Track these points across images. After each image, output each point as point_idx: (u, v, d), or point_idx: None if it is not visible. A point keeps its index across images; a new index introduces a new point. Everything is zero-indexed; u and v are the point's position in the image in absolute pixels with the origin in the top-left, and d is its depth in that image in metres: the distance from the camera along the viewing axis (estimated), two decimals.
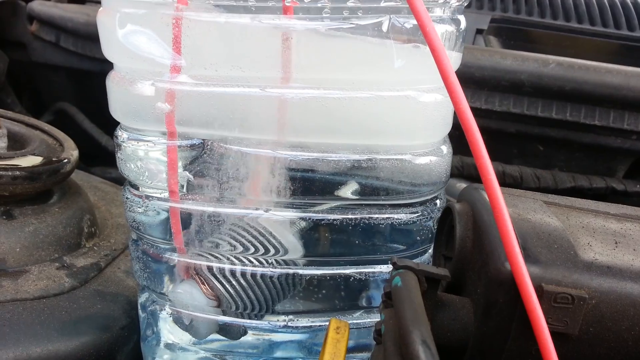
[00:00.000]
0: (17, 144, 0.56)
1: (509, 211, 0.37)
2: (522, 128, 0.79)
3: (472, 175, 0.80)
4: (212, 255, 0.48)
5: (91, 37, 1.05)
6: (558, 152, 0.83)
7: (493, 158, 0.82)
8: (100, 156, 1.08)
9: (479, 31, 0.91)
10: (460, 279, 0.40)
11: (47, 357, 0.45)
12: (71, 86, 1.20)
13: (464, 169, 0.80)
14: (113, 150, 1.07)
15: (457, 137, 0.84)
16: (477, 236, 0.39)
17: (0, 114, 0.55)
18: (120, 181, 0.94)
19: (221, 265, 0.47)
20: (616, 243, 0.37)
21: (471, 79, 0.75)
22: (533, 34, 0.93)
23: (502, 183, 0.82)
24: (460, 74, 0.79)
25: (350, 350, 0.49)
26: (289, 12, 0.41)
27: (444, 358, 0.37)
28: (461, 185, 0.82)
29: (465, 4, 0.44)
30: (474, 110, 0.78)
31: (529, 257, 0.33)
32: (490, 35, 0.93)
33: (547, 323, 0.31)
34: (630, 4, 0.97)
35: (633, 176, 0.87)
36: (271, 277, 0.48)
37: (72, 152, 0.55)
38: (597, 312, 0.33)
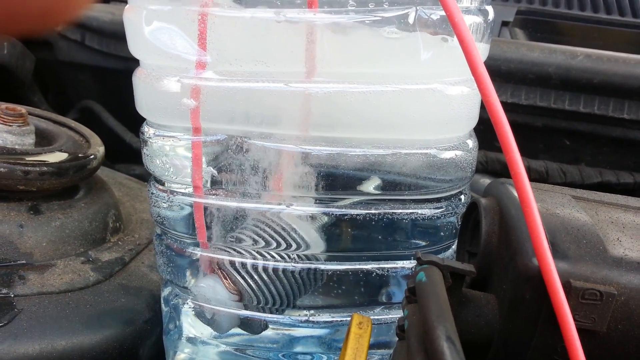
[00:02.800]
0: (44, 140, 0.57)
1: (537, 206, 0.37)
2: (548, 122, 0.78)
3: (497, 170, 0.79)
4: (235, 250, 0.48)
5: (116, 35, 1.07)
6: (585, 147, 0.81)
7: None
8: (124, 153, 1.10)
9: (505, 23, 0.89)
10: (486, 275, 0.40)
11: (71, 349, 0.46)
12: (96, 84, 1.22)
13: (488, 164, 0.79)
14: (137, 147, 1.08)
15: (481, 131, 0.84)
16: (503, 231, 0.38)
17: (28, 112, 0.56)
18: (144, 178, 0.96)
19: (243, 260, 0.48)
20: None
21: (497, 72, 0.74)
22: (560, 26, 0.92)
23: (528, 178, 0.81)
24: (486, 66, 0.79)
25: (370, 347, 0.49)
26: (314, 6, 0.41)
27: (468, 355, 0.37)
28: (485, 180, 0.81)
29: None
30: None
31: (557, 253, 0.33)
32: (516, 28, 0.92)
33: (575, 320, 0.31)
34: None
35: None
36: (293, 272, 0.48)
37: (98, 148, 0.56)
38: (626, 309, 0.32)
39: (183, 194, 0.47)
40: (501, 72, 0.74)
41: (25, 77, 1.07)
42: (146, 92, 0.46)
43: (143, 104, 0.47)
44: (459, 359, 0.27)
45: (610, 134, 0.78)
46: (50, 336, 0.44)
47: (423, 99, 0.42)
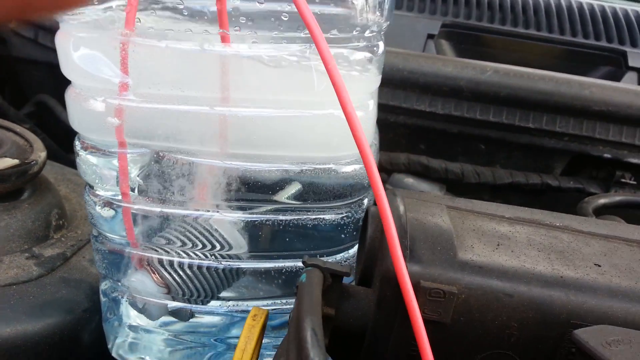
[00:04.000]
0: None
1: (410, 216, 0.43)
2: (464, 129, 0.85)
3: (418, 171, 0.86)
4: (162, 249, 0.53)
5: None
6: (499, 151, 0.89)
7: (438, 156, 0.88)
8: None
9: (430, 36, 0.95)
10: (370, 272, 0.46)
11: (15, 336, 0.51)
12: (50, 80, 1.23)
13: (410, 165, 0.85)
14: None
15: (407, 135, 0.90)
16: (382, 237, 0.44)
17: None
18: None
19: (170, 258, 0.53)
20: (498, 245, 0.43)
21: (416, 84, 0.81)
22: (482, 38, 0.98)
23: (445, 179, 0.88)
24: (406, 79, 0.85)
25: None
26: (226, 41, 0.46)
27: (348, 340, 0.43)
28: (409, 180, 0.88)
29: (383, 32, 0.49)
30: (420, 112, 0.84)
31: (413, 258, 0.39)
32: (441, 40, 0.98)
33: (423, 312, 0.37)
34: (575, 9, 1.03)
35: (569, 173, 0.93)
36: (215, 269, 0.54)
37: (40, 154, 0.60)
38: (466, 305, 0.38)
39: (113, 200, 0.52)
40: (419, 84, 0.80)
41: None
42: (77, 110, 0.50)
43: (75, 119, 0.51)
44: (318, 346, 0.33)
45: (519, 141, 0.86)
46: None
47: (320, 122, 0.47)
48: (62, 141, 1.13)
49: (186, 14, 0.44)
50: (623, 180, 0.90)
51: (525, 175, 0.88)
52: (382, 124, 0.65)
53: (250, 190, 0.51)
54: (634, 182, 0.90)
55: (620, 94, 0.81)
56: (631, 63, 0.94)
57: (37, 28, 1.11)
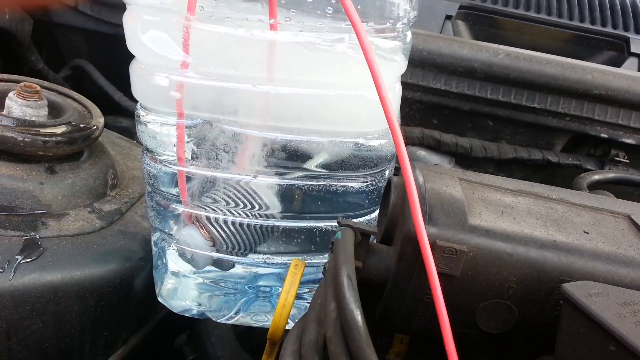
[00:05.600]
0: (54, 110, 0.66)
1: (428, 186, 0.50)
2: (474, 107, 0.90)
3: (431, 145, 0.92)
4: (209, 207, 0.60)
5: (106, 3, 1.13)
6: (505, 128, 0.94)
7: (449, 131, 0.94)
8: (112, 107, 1.18)
9: (448, 17, 1.00)
10: (392, 233, 0.52)
11: (84, 279, 0.58)
12: (88, 46, 1.29)
13: (424, 139, 0.91)
14: (125, 104, 1.17)
15: (421, 111, 0.95)
16: (404, 204, 0.51)
17: (40, 85, 0.65)
18: (130, 130, 1.06)
19: (215, 215, 0.60)
20: (502, 213, 0.49)
21: (433, 64, 0.86)
22: (496, 21, 1.02)
23: (455, 152, 0.94)
24: (424, 59, 0.90)
25: (314, 282, 0.62)
26: (274, 28, 0.51)
27: (372, 289, 0.50)
28: (421, 152, 0.94)
29: (411, 23, 0.55)
30: (435, 90, 0.89)
31: (430, 221, 0.45)
32: (458, 20, 1.02)
33: (437, 266, 0.44)
34: None
35: (569, 150, 0.99)
36: (254, 226, 0.61)
37: (99, 120, 0.66)
38: (474, 262, 0.45)
39: (169, 163, 0.58)
40: (437, 64, 0.85)
41: (24, 39, 1.13)
42: (141, 83, 0.56)
43: (138, 91, 0.57)
44: (353, 289, 0.40)
45: (524, 119, 0.91)
46: (68, 269, 0.56)
47: (352, 101, 0.53)
48: (98, 104, 1.19)
49: (244, 3, 0.50)
50: (617, 158, 0.96)
51: (528, 151, 0.94)
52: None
53: (286, 158, 0.57)
54: (627, 161, 0.96)
55: (619, 80, 0.86)
56: (633, 49, 0.98)
57: None
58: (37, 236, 0.57)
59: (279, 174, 0.58)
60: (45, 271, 0.54)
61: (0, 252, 0.53)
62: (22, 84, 0.60)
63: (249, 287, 0.68)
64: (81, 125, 0.62)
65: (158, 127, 0.56)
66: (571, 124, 0.90)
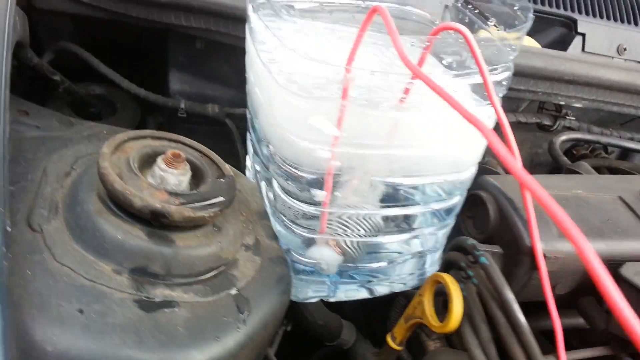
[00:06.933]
0: (195, 172, 0.65)
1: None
2: None
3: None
4: (339, 234, 0.76)
5: None
6: None
7: None
8: None
9: None
10: (491, 240, 0.73)
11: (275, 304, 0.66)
12: (68, 27, 1.18)
13: None
14: (135, 93, 1.13)
15: None
16: (502, 217, 0.71)
17: (170, 138, 0.67)
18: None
19: (345, 239, 0.76)
20: None
21: None
22: None
23: None
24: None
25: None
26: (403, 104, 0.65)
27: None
28: None
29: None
30: None
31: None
32: None
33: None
34: None
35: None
36: (366, 244, 0.78)
37: (229, 172, 0.69)
38: (566, 269, 0.68)
39: (314, 206, 0.72)
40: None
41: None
42: (295, 151, 0.68)
43: (289, 155, 0.68)
44: (516, 303, 0.61)
45: None
46: (266, 304, 0.64)
47: (454, 158, 0.72)
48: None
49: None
50: (567, 117, 1.23)
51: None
52: None
53: (398, 198, 0.74)
54: (574, 118, 1.23)
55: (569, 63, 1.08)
56: (580, 29, 1.21)
57: None
58: (237, 290, 0.63)
59: (387, 207, 0.76)
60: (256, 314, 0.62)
61: (227, 323, 0.59)
62: (169, 153, 0.66)
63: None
64: (229, 199, 0.65)
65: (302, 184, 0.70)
66: (538, 96, 1.12)
